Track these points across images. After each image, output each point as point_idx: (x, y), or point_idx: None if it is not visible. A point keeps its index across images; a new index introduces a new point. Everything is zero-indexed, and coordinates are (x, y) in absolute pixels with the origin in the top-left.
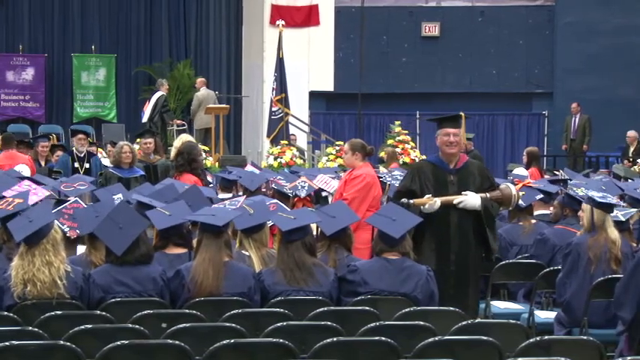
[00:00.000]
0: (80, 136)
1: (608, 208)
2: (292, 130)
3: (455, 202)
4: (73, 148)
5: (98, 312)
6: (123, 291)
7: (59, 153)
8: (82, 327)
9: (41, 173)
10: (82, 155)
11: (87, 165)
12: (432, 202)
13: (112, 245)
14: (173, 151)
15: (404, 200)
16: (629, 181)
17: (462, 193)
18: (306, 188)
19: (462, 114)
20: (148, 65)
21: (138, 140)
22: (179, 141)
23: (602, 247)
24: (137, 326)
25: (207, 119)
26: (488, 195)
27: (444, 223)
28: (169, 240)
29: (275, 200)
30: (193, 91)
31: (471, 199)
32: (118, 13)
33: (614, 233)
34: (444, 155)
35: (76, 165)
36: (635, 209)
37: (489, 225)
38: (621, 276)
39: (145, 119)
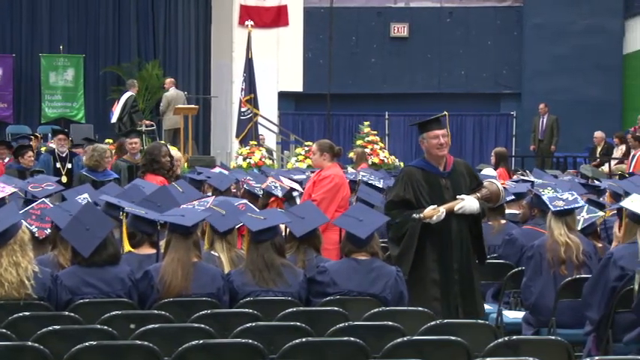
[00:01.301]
0: (61, 136)
1: (565, 213)
2: (261, 130)
3: (455, 208)
4: (54, 148)
5: (66, 313)
6: (91, 292)
7: (30, 154)
8: (50, 328)
9: (11, 174)
10: (64, 155)
11: (69, 165)
12: (439, 214)
13: (79, 247)
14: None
15: (415, 216)
16: (596, 182)
17: (457, 197)
18: (279, 188)
19: (446, 113)
20: (116, 65)
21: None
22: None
23: (558, 249)
24: (106, 327)
25: (176, 120)
26: (478, 194)
27: (444, 232)
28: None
29: (244, 200)
30: (162, 92)
31: (470, 203)
32: (86, 13)
33: (564, 236)
34: (432, 158)
35: (58, 165)
36: (601, 213)
37: (480, 228)
38: (589, 276)
39: (114, 119)
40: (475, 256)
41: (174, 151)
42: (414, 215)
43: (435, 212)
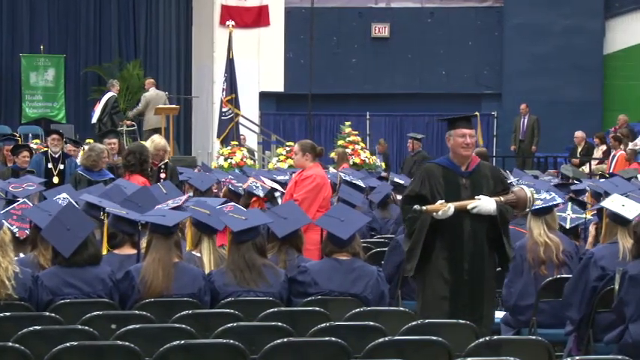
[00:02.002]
0: (54, 136)
1: (543, 212)
2: (242, 130)
3: (469, 207)
4: (48, 149)
5: (47, 313)
6: (72, 292)
7: (25, 154)
8: (31, 328)
9: (5, 174)
10: (57, 156)
11: (61, 166)
12: (445, 209)
13: (60, 247)
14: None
15: (416, 207)
16: (577, 182)
17: (476, 197)
18: (260, 188)
19: (477, 114)
20: (97, 65)
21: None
22: (150, 142)
23: (538, 249)
24: (86, 327)
25: (157, 120)
26: (502, 199)
27: (456, 230)
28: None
29: (232, 203)
30: (143, 92)
31: (486, 204)
32: (67, 13)
33: (543, 236)
34: (456, 157)
35: (50, 166)
36: (583, 217)
37: (505, 231)
38: (569, 276)
39: (94, 120)
40: (493, 259)
41: (163, 141)
42: (416, 207)
43: (441, 207)
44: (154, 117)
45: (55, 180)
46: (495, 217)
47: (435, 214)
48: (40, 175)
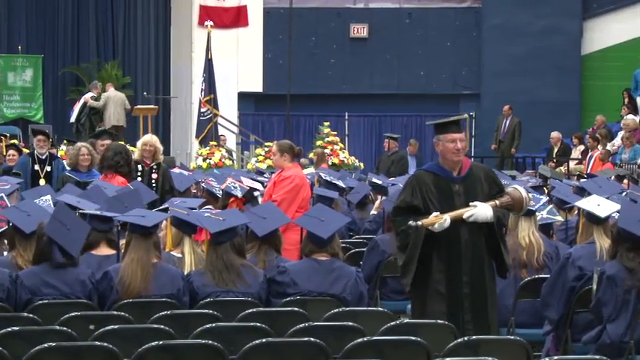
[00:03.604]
0: (40, 137)
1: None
2: (221, 130)
3: (465, 216)
4: (34, 150)
5: (25, 314)
6: (50, 293)
7: (11, 152)
8: (9, 329)
9: None
10: (44, 157)
11: (48, 168)
12: (441, 221)
13: (67, 246)
14: (136, 150)
15: (411, 223)
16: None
17: (470, 204)
18: (238, 188)
19: (466, 116)
20: (75, 66)
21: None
22: (140, 141)
23: (520, 252)
24: (65, 328)
25: (116, 118)
26: (497, 202)
27: (453, 241)
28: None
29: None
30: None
31: (482, 211)
32: (44, 13)
33: (530, 237)
34: (446, 163)
35: (37, 167)
36: (559, 218)
37: (502, 238)
38: (548, 277)
39: (72, 119)
40: (491, 268)
41: (155, 137)
42: (411, 223)
43: (437, 220)
44: (113, 115)
45: (42, 182)
46: (491, 223)
47: (431, 227)
48: (27, 177)
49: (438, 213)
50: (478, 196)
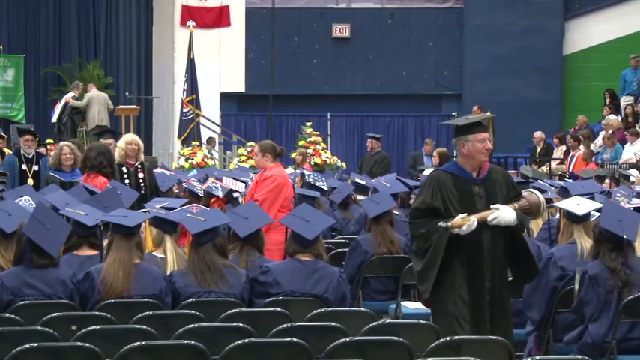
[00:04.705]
0: (27, 137)
1: None
2: (203, 130)
3: (489, 219)
4: (21, 150)
5: (7, 315)
6: (32, 293)
7: None
8: None
9: None
10: (31, 157)
11: (35, 167)
12: (469, 223)
13: (47, 247)
14: (118, 152)
15: (441, 224)
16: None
17: (491, 207)
18: (220, 188)
19: (490, 114)
20: (57, 66)
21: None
22: (122, 141)
23: None
24: (47, 329)
25: (100, 118)
26: (515, 205)
27: (475, 246)
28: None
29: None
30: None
31: (505, 214)
32: (26, 13)
33: None
34: (467, 163)
35: (24, 167)
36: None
37: (524, 242)
38: None
39: (54, 119)
40: (507, 275)
41: (136, 136)
42: (441, 224)
43: (465, 221)
44: (97, 115)
45: (30, 182)
46: (512, 227)
47: (457, 229)
48: (14, 177)
49: (465, 214)
50: (497, 198)
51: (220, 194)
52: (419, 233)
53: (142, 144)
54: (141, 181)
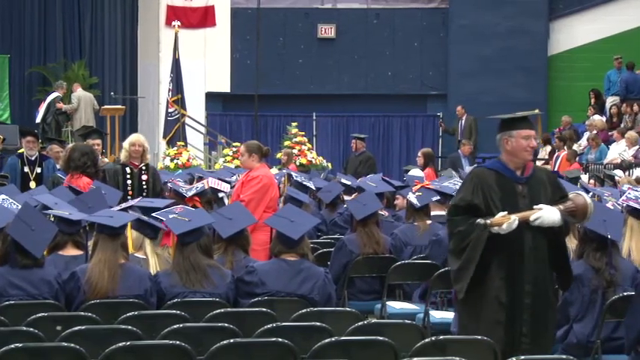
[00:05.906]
0: (29, 138)
1: None
2: (189, 131)
3: (532, 218)
4: (23, 151)
5: None
6: (17, 294)
7: None
8: None
9: None
10: (33, 159)
11: (38, 169)
12: (510, 221)
13: (30, 247)
14: (122, 152)
15: (480, 221)
16: None
17: (535, 206)
18: (197, 188)
19: (538, 111)
20: (41, 66)
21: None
22: (127, 142)
23: None
24: (31, 329)
25: (87, 118)
26: (561, 207)
27: (516, 246)
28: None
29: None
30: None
31: (549, 214)
32: (10, 12)
33: None
34: (511, 161)
35: (26, 169)
36: None
37: (565, 246)
38: None
39: (38, 119)
40: (553, 281)
41: (142, 137)
42: (479, 221)
43: (505, 219)
44: (84, 115)
45: (32, 185)
46: (557, 229)
47: (497, 228)
48: (16, 180)
49: (506, 213)
50: (542, 199)
51: (189, 193)
52: (457, 231)
53: (147, 145)
54: (144, 183)
